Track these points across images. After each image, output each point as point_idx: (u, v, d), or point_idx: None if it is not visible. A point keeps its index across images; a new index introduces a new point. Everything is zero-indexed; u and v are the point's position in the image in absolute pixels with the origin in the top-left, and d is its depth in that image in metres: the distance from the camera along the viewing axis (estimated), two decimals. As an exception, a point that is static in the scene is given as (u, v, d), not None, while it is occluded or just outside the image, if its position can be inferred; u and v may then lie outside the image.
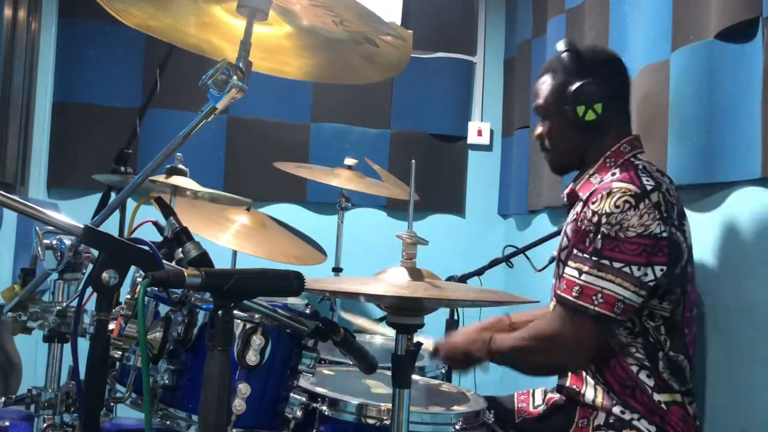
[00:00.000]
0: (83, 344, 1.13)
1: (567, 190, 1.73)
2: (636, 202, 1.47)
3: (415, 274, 1.20)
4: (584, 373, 1.63)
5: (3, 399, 1.29)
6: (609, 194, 1.49)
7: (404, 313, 1.18)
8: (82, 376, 1.12)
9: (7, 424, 1.39)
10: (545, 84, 1.71)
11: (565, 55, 1.68)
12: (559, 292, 1.53)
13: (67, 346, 1.25)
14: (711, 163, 1.74)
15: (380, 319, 2.68)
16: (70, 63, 3.17)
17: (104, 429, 1.43)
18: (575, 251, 1.52)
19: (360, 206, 3.23)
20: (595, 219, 1.49)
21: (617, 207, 1.47)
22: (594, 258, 1.47)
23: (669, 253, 1.48)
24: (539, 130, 1.75)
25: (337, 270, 2.80)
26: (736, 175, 1.69)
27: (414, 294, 1.13)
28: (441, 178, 3.44)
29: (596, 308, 1.45)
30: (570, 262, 1.53)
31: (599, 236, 1.48)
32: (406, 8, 3.38)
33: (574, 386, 1.64)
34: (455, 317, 2.35)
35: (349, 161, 2.64)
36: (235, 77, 1.24)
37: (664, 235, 1.47)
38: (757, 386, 1.58)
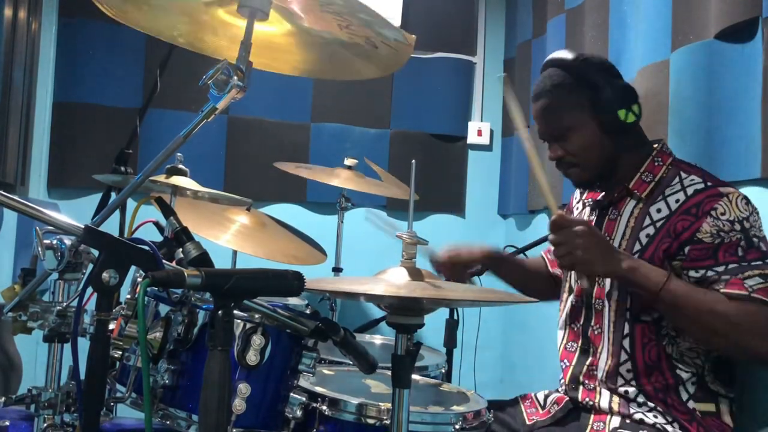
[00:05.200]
0: (83, 344, 1.13)
1: (606, 191, 1.70)
2: (749, 203, 1.50)
3: (415, 274, 1.20)
4: (599, 387, 1.61)
5: (3, 399, 1.29)
6: (728, 200, 1.49)
7: (404, 312, 1.18)
8: (82, 376, 1.11)
9: (7, 423, 1.39)
10: (559, 102, 1.64)
11: (574, 65, 1.62)
12: (742, 291, 1.43)
13: (67, 346, 1.25)
14: (711, 163, 1.74)
15: (380, 320, 2.69)
16: (70, 63, 3.17)
17: (104, 429, 1.43)
18: (730, 265, 1.45)
19: (360, 206, 3.23)
20: (738, 227, 1.47)
21: (745, 209, 1.48)
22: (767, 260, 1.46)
23: None
24: (559, 152, 1.65)
25: (337, 270, 2.80)
26: (736, 175, 1.69)
27: (413, 294, 1.13)
28: (441, 178, 3.44)
29: None
30: (734, 276, 1.45)
31: (754, 239, 1.47)
32: (406, 8, 3.38)
33: (587, 399, 1.62)
34: (455, 317, 2.35)
35: (349, 161, 2.64)
36: (235, 77, 1.24)
37: None
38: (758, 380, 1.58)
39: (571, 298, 1.73)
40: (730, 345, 1.48)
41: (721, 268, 1.46)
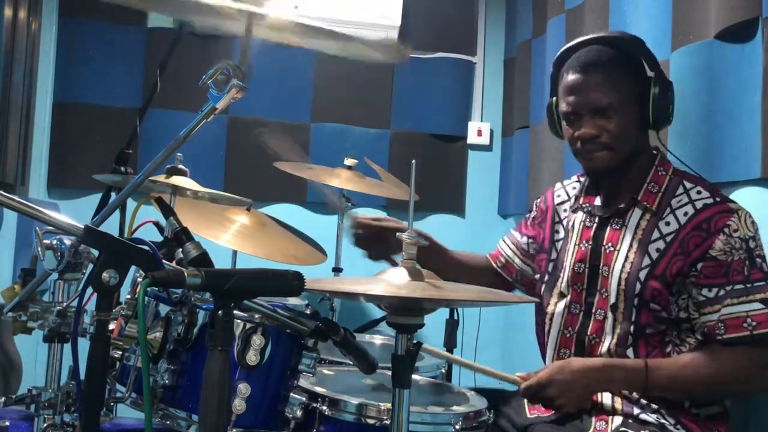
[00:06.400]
0: (83, 344, 1.13)
1: (612, 199, 1.65)
2: (754, 221, 1.50)
3: (415, 274, 1.20)
4: None
5: (3, 399, 1.29)
6: (738, 217, 1.48)
7: (404, 312, 1.18)
8: (82, 376, 1.12)
9: (7, 424, 1.39)
10: (615, 77, 1.56)
11: (639, 49, 1.59)
12: (742, 333, 1.44)
13: (67, 346, 1.25)
14: (711, 163, 1.74)
15: (380, 320, 2.69)
16: (70, 63, 3.17)
17: (104, 429, 1.43)
18: (737, 285, 1.45)
19: (360, 206, 3.23)
20: (744, 246, 1.47)
21: (752, 228, 1.49)
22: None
23: None
24: (596, 129, 1.56)
25: (337, 270, 2.80)
26: (736, 175, 1.69)
27: (413, 294, 1.13)
28: (441, 178, 3.44)
29: None
30: (733, 299, 1.46)
31: (757, 259, 1.47)
32: (406, 8, 3.37)
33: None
34: (455, 317, 2.35)
35: (349, 161, 2.64)
36: (235, 78, 1.24)
37: None
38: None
39: (564, 302, 1.69)
40: (736, 395, 1.59)
41: (729, 288, 1.46)
